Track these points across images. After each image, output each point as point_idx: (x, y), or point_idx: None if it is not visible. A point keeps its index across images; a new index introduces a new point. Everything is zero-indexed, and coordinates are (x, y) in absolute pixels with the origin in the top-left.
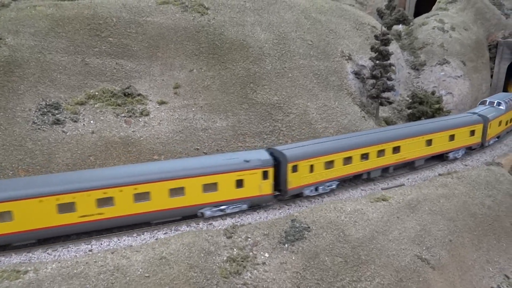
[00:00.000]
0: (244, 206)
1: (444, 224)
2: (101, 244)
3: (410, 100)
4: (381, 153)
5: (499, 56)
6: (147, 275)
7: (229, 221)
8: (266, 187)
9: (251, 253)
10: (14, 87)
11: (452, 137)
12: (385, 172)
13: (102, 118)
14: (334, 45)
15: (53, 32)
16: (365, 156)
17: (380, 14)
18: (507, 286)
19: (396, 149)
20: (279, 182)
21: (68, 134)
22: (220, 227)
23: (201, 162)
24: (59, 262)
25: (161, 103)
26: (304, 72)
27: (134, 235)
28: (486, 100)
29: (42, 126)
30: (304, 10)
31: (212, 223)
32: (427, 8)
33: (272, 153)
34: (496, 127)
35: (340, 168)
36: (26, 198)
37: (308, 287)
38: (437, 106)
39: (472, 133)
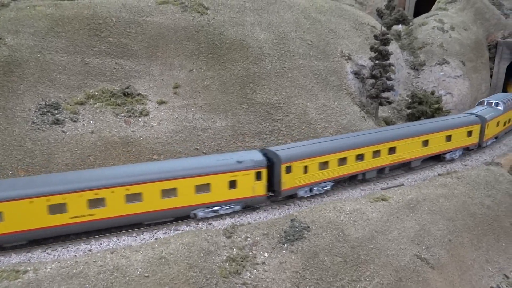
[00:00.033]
0: (237, 207)
1: (443, 224)
2: (101, 244)
3: (409, 100)
4: (376, 153)
5: (499, 56)
6: (146, 275)
7: (228, 221)
8: (260, 188)
9: (250, 253)
10: (13, 87)
11: (449, 138)
12: (381, 173)
13: (101, 118)
14: (333, 45)
15: (53, 32)
16: (360, 157)
17: (379, 14)
18: (506, 286)
19: (391, 150)
20: (272, 183)
21: (67, 134)
22: (219, 227)
23: (193, 163)
24: (59, 262)
25: (161, 103)
26: (304, 72)
27: (134, 235)
28: (484, 101)
29: (42, 126)
30: (304, 10)
31: (211, 223)
32: (427, 8)
33: (265, 153)
34: (494, 127)
35: (335, 169)
36: (17, 199)
37: (307, 287)
38: (436, 106)
39: (470, 133)
